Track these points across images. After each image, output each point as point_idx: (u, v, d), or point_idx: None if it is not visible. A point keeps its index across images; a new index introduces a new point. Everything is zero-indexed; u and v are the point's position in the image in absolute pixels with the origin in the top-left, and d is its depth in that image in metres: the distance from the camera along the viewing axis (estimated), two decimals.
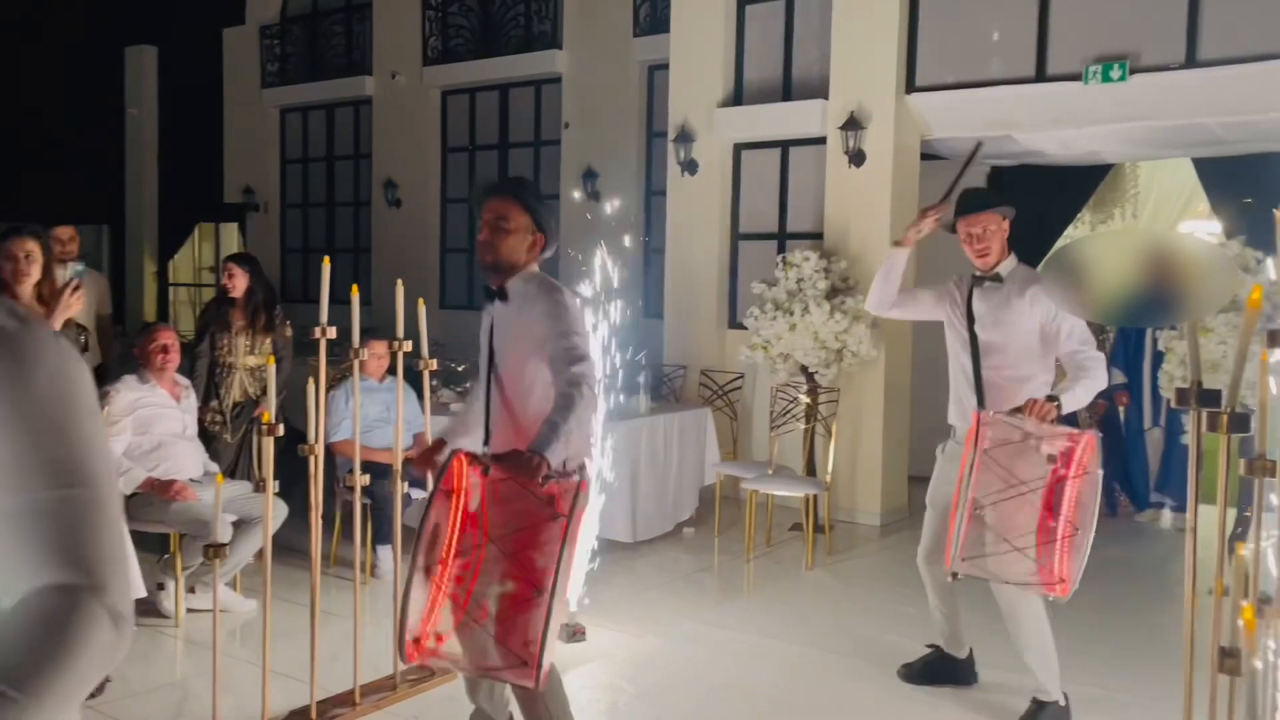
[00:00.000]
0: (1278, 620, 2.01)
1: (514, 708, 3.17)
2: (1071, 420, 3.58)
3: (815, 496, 6.00)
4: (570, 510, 2.41)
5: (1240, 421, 1.81)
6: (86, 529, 1.16)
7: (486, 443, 3.05)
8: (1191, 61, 5.83)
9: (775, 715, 3.83)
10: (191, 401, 4.90)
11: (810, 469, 6.53)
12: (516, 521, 2.49)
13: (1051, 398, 3.44)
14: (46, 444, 1.11)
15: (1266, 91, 5.59)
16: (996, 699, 3.88)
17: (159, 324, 5.06)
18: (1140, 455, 6.83)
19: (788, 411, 6.34)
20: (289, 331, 5.61)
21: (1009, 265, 3.75)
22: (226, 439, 5.39)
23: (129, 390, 4.59)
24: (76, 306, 3.61)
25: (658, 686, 4.04)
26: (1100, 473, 3.32)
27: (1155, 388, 6.57)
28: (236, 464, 5.42)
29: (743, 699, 3.96)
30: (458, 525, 2.53)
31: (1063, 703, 3.62)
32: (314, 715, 3.53)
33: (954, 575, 3.50)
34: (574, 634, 4.40)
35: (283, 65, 12.28)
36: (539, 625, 2.36)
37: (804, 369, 6.46)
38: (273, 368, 3.37)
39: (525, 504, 2.49)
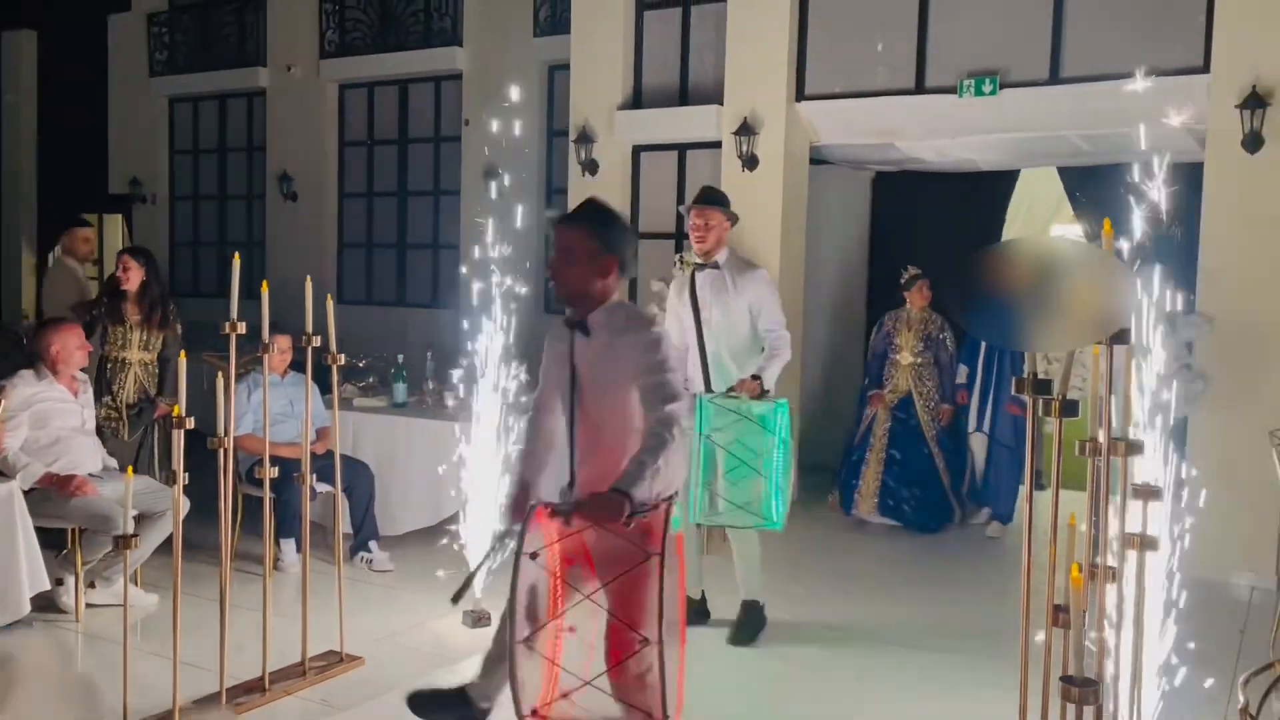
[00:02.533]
0: (1105, 582, 2.32)
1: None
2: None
3: None
4: (663, 546, 2.33)
5: (1070, 407, 2.10)
6: None
7: (571, 484, 2.94)
8: (1055, 78, 6.29)
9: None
10: (89, 396, 4.87)
11: None
12: (620, 563, 2.41)
13: (755, 376, 4.20)
14: None
15: (1121, 107, 6.06)
16: None
17: (66, 321, 4.97)
18: (964, 460, 6.64)
19: None
20: (179, 327, 5.59)
21: (725, 255, 4.50)
22: (124, 436, 5.32)
23: (26, 385, 4.54)
24: None
25: None
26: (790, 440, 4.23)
27: (986, 392, 6.48)
28: (136, 461, 5.35)
29: None
30: (558, 579, 2.42)
31: (763, 603, 4.50)
32: (223, 701, 3.61)
33: (697, 525, 4.39)
34: (479, 620, 4.55)
35: (171, 54, 11.99)
36: (656, 672, 2.29)
37: None
38: (183, 362, 3.42)
39: (622, 544, 2.41)
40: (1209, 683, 3.29)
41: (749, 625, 4.47)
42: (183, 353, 3.49)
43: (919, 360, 6.54)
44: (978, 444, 6.60)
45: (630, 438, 2.75)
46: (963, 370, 6.60)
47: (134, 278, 5.28)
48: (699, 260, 4.50)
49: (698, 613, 4.66)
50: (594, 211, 2.92)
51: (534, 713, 2.39)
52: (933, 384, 6.56)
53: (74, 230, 6.99)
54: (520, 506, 2.94)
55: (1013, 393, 6.37)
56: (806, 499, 6.91)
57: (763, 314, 4.40)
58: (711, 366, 4.39)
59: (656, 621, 2.28)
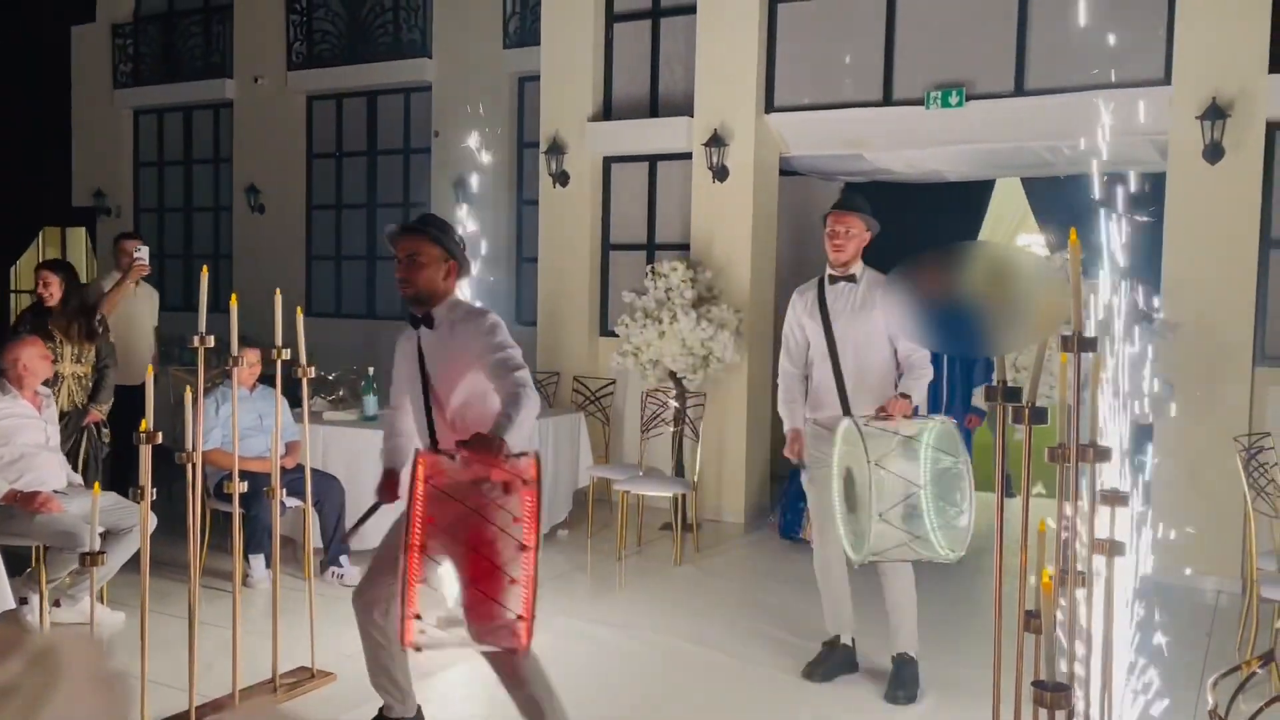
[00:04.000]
0: (1074, 587, 2.34)
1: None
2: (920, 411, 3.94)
3: (683, 496, 6.27)
4: (537, 479, 2.67)
5: (1039, 414, 2.12)
6: None
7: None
8: (1020, 90, 6.37)
9: (647, 701, 4.05)
10: (53, 412, 4.80)
11: (679, 470, 6.80)
12: (476, 506, 2.69)
13: (905, 395, 3.80)
14: None
15: (1083, 119, 6.15)
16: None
17: (29, 336, 4.88)
18: None
19: (657, 415, 6.60)
20: (111, 337, 5.54)
21: (861, 269, 4.12)
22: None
23: None
24: None
25: None
26: (967, 457, 3.60)
27: (934, 408, 5.97)
28: None
29: (617, 688, 4.17)
30: (424, 515, 2.70)
31: (916, 656, 4.06)
32: (193, 719, 3.56)
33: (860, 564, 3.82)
34: None
35: (136, 66, 11.88)
36: (525, 586, 2.59)
37: (672, 374, 6.73)
38: (151, 377, 3.38)
39: (480, 496, 2.70)
40: (1177, 685, 3.33)
41: (906, 681, 4.00)
42: (150, 367, 3.44)
43: None
44: None
45: (479, 411, 3.14)
46: None
47: (55, 292, 5.26)
48: (832, 272, 4.12)
49: (851, 659, 4.31)
50: (434, 223, 3.32)
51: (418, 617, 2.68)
52: None
53: (118, 242, 6.81)
54: (388, 489, 3.42)
55: (974, 404, 6.43)
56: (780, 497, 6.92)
57: (903, 335, 3.96)
58: (850, 386, 4.00)
59: (534, 538, 2.60)
